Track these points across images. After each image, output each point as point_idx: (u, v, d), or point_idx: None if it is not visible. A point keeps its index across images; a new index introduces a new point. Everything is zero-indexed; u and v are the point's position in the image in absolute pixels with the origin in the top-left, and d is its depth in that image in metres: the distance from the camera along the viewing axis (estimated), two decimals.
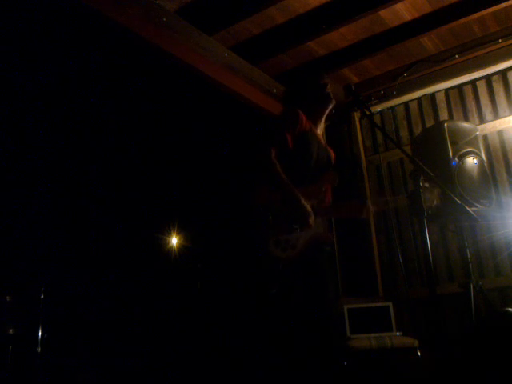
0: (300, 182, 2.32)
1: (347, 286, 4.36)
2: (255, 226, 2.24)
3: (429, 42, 3.96)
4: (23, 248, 4.28)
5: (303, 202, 2.26)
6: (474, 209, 3.05)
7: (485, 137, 3.99)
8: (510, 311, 3.12)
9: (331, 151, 2.62)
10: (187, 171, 5.40)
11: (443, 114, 4.27)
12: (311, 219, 2.26)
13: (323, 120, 2.61)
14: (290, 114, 2.44)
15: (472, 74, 4.08)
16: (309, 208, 2.26)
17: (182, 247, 6.10)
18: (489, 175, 3.46)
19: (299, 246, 2.24)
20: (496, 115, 4.04)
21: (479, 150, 3.46)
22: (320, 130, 2.61)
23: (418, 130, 4.34)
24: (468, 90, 4.21)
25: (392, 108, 4.54)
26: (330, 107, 2.57)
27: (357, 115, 4.68)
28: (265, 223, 2.23)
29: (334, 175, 2.51)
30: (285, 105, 2.73)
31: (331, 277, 2.41)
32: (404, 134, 4.46)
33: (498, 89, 4.07)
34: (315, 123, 2.55)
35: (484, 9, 3.45)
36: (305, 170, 2.40)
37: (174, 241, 6.21)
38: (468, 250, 3.42)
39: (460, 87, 4.24)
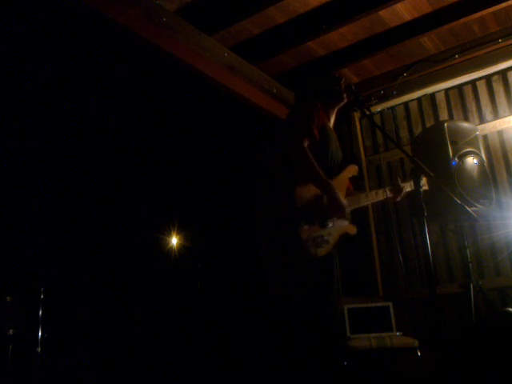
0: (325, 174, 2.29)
1: (347, 285, 4.36)
2: (293, 226, 2.17)
3: (429, 42, 3.95)
4: (23, 248, 4.28)
5: (339, 194, 2.24)
6: (474, 209, 3.06)
7: (485, 137, 3.99)
8: (510, 311, 3.12)
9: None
10: (187, 171, 5.40)
11: (443, 114, 4.27)
12: (347, 210, 2.25)
13: (334, 115, 2.61)
14: (311, 106, 2.42)
15: (472, 74, 4.08)
16: (344, 200, 2.26)
17: (182, 247, 6.10)
18: (489, 175, 3.46)
19: (332, 240, 2.24)
20: (496, 115, 4.03)
21: (479, 150, 3.46)
22: (332, 125, 2.61)
23: (417, 129, 4.34)
24: (468, 90, 4.21)
25: (392, 108, 4.53)
26: (342, 103, 2.57)
27: (357, 115, 4.68)
28: (302, 222, 2.17)
29: (354, 166, 2.52)
30: (301, 99, 2.72)
31: (337, 275, 2.41)
32: (404, 134, 4.46)
33: (498, 89, 4.07)
34: (329, 118, 2.56)
35: (484, 9, 3.44)
36: (326, 162, 2.39)
37: (174, 241, 6.21)
38: (468, 250, 3.42)
39: (460, 87, 4.24)
